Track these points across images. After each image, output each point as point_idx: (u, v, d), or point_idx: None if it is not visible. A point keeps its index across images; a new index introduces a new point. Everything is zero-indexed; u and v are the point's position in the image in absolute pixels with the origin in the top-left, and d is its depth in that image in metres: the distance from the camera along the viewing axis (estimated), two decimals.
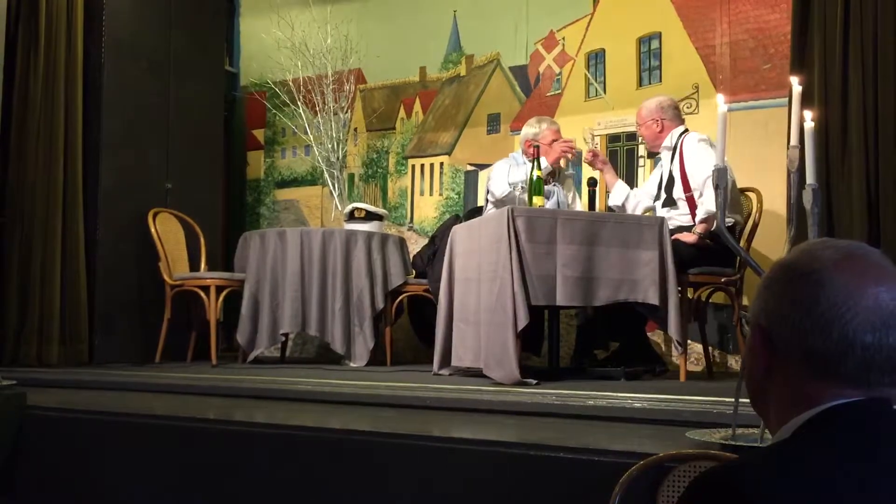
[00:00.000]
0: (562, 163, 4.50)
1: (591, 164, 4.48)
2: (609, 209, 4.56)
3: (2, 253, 4.68)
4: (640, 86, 5.12)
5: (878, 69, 3.54)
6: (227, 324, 5.23)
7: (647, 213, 4.34)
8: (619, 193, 4.47)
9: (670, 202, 4.17)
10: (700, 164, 3.99)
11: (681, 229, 4.03)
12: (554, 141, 4.44)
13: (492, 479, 2.31)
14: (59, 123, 4.77)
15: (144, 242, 4.96)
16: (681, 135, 4.22)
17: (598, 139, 4.54)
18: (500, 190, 4.38)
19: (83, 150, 4.89)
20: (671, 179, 4.18)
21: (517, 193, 4.29)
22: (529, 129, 4.54)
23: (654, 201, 4.30)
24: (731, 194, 3.95)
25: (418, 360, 4.96)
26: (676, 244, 3.85)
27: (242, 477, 2.68)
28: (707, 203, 3.91)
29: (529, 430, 2.67)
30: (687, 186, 4.10)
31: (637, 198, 4.43)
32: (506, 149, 5.09)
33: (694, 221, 4.05)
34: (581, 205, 4.65)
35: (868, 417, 0.88)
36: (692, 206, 4.08)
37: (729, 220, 4.01)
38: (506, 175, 4.42)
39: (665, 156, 4.27)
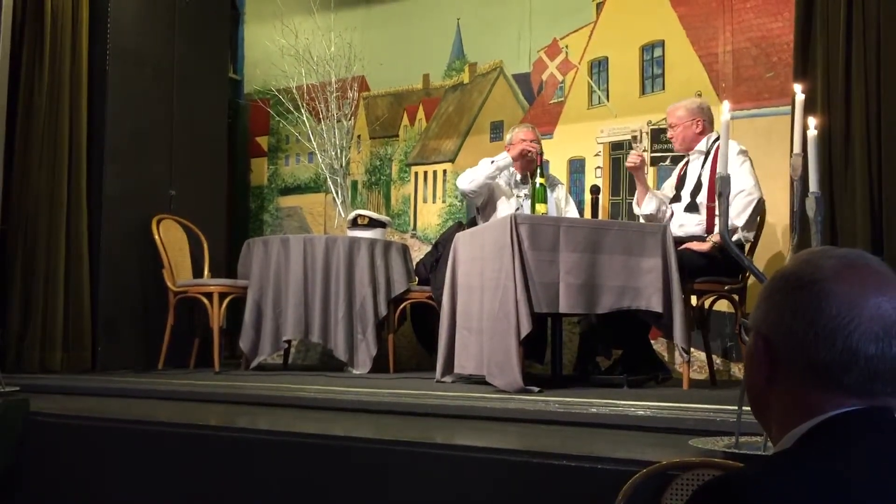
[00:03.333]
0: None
1: (634, 169, 4.22)
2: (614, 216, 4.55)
3: (6, 259, 4.69)
4: (644, 94, 5.13)
5: (881, 77, 3.55)
6: (230, 331, 5.23)
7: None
8: (650, 204, 4.26)
9: (693, 207, 4.11)
10: (734, 178, 3.91)
11: (693, 238, 4.01)
12: (524, 140, 4.45)
13: (494, 486, 2.31)
14: (64, 131, 4.79)
15: (148, 249, 4.97)
16: (715, 141, 4.15)
17: (643, 145, 4.34)
18: (463, 184, 4.48)
19: (87, 158, 4.90)
20: (699, 184, 4.12)
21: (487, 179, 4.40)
22: (507, 136, 4.64)
23: (672, 202, 4.24)
24: (753, 212, 3.92)
25: (421, 368, 4.96)
26: (685, 253, 3.84)
27: (245, 484, 2.68)
28: (731, 217, 3.77)
29: (532, 438, 2.66)
30: (712, 196, 4.02)
31: (665, 206, 4.30)
32: None
33: (707, 232, 4.02)
34: (574, 207, 4.68)
35: (870, 427, 0.89)
36: (710, 215, 4.04)
37: (749, 239, 4.00)
38: (473, 170, 4.49)
39: (696, 160, 4.21)
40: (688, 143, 4.23)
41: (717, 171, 2.44)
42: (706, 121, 4.23)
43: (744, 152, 4.03)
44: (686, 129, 4.22)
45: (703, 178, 4.12)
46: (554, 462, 2.21)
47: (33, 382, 3.97)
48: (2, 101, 4.68)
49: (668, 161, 4.88)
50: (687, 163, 4.29)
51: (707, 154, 4.16)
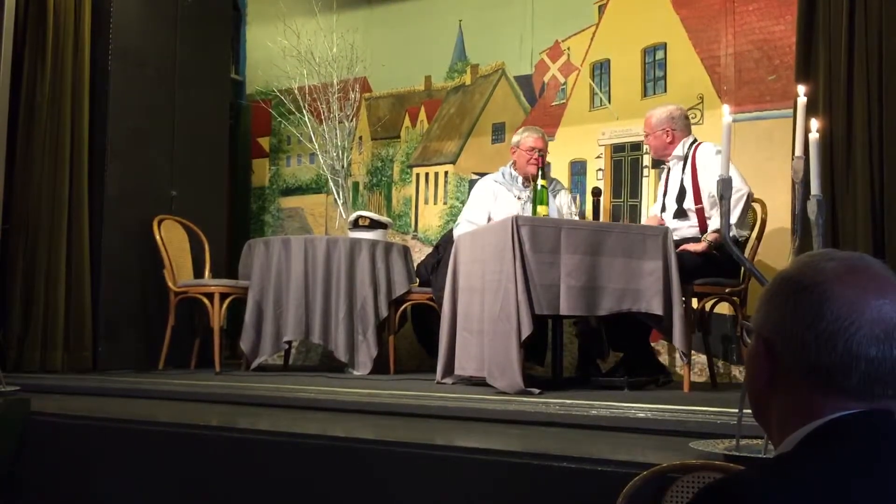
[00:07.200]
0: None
1: None
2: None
3: (7, 259, 4.69)
4: (645, 96, 5.13)
5: (883, 80, 3.55)
6: (231, 331, 5.24)
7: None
8: None
9: (681, 213, 4.12)
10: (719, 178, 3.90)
11: (688, 241, 4.01)
12: (532, 149, 4.44)
13: (494, 488, 2.31)
14: (66, 130, 4.79)
15: (149, 249, 4.97)
16: (692, 144, 4.18)
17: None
18: (459, 233, 4.42)
19: (89, 157, 4.91)
20: (682, 190, 4.13)
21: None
22: (514, 137, 4.62)
23: (661, 212, 4.26)
24: (744, 208, 3.93)
25: (421, 369, 4.96)
26: (683, 254, 3.84)
27: (245, 484, 2.68)
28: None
29: (533, 440, 2.66)
30: (698, 198, 4.05)
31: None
32: (509, 158, 5.11)
33: (701, 234, 4.02)
34: (577, 211, 4.68)
35: (871, 429, 0.88)
36: (701, 218, 4.06)
37: (743, 235, 4.01)
38: (477, 208, 4.52)
39: (675, 165, 4.22)
40: (660, 153, 4.27)
41: (720, 172, 2.44)
42: (677, 129, 4.22)
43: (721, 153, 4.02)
44: (657, 139, 4.24)
45: (685, 184, 4.12)
46: (554, 464, 2.21)
47: (34, 382, 3.97)
48: (4, 100, 4.68)
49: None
50: (668, 169, 4.29)
51: (685, 159, 4.16)
